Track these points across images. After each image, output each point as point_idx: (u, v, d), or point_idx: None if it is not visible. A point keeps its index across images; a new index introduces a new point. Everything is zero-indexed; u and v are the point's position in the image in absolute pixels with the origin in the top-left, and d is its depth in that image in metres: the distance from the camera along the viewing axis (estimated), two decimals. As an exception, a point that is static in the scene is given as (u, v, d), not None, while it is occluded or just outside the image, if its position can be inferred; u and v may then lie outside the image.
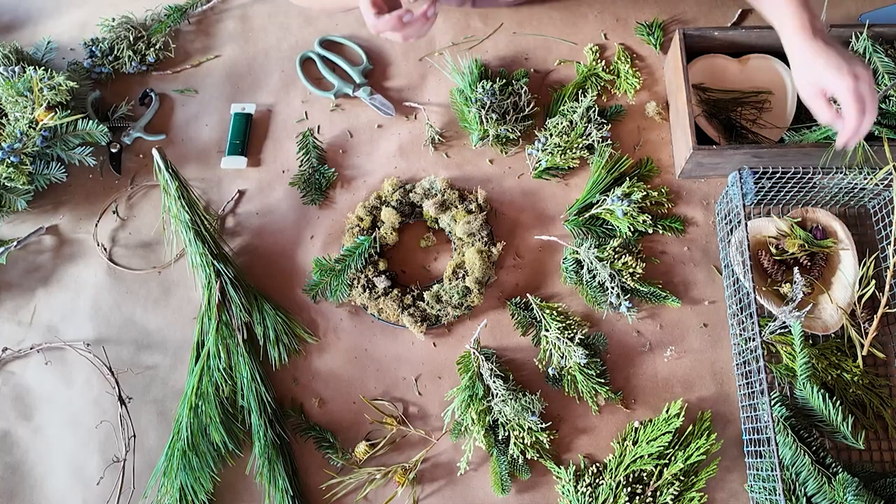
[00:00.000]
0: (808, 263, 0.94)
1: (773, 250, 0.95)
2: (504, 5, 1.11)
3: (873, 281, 0.90)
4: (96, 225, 1.03)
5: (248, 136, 1.07)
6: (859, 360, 0.89)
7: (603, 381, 0.90)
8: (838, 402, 0.83)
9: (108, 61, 1.10)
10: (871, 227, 0.97)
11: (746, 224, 0.86)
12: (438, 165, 1.05)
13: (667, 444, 0.86)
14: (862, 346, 0.90)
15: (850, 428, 0.82)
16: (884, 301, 0.89)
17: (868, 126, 0.77)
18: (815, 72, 0.78)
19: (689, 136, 0.93)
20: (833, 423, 0.83)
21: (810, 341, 0.92)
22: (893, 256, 0.89)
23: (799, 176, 0.89)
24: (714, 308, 0.96)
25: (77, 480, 0.90)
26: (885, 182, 0.88)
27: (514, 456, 0.86)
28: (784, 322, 0.89)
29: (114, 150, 1.06)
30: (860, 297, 0.91)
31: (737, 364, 0.92)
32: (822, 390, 0.84)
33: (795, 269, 0.91)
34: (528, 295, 0.96)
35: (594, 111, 1.04)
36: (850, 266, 0.93)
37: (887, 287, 0.90)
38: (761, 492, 0.82)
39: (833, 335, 0.92)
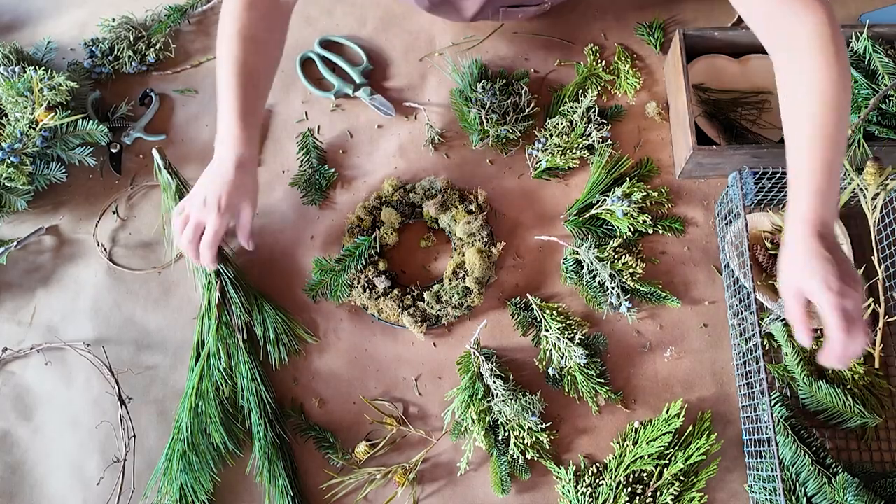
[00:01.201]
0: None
1: (769, 245, 0.95)
2: (525, 19, 1.11)
3: (871, 299, 0.90)
4: (96, 225, 1.03)
5: (249, 137, 1.07)
6: (861, 361, 0.89)
7: (603, 381, 0.90)
8: (841, 391, 0.84)
9: (108, 61, 1.11)
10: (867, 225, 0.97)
11: (746, 224, 0.87)
12: (438, 165, 1.05)
13: (667, 444, 0.86)
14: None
15: (861, 408, 0.83)
16: (882, 311, 0.90)
17: (856, 350, 0.68)
18: (800, 272, 0.70)
19: (689, 136, 0.93)
20: (842, 408, 0.83)
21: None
22: (880, 266, 0.90)
23: (799, 176, 0.89)
24: (714, 308, 0.96)
25: (77, 481, 0.90)
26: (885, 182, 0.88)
27: (515, 456, 0.86)
28: (780, 316, 0.89)
29: (114, 151, 1.06)
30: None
31: (737, 364, 0.92)
32: (824, 381, 0.85)
33: None
34: (528, 295, 0.96)
35: (594, 111, 1.04)
36: (848, 262, 0.93)
37: (882, 300, 0.90)
38: (761, 492, 0.82)
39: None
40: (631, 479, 0.85)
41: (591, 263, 0.94)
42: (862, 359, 0.89)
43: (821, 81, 0.72)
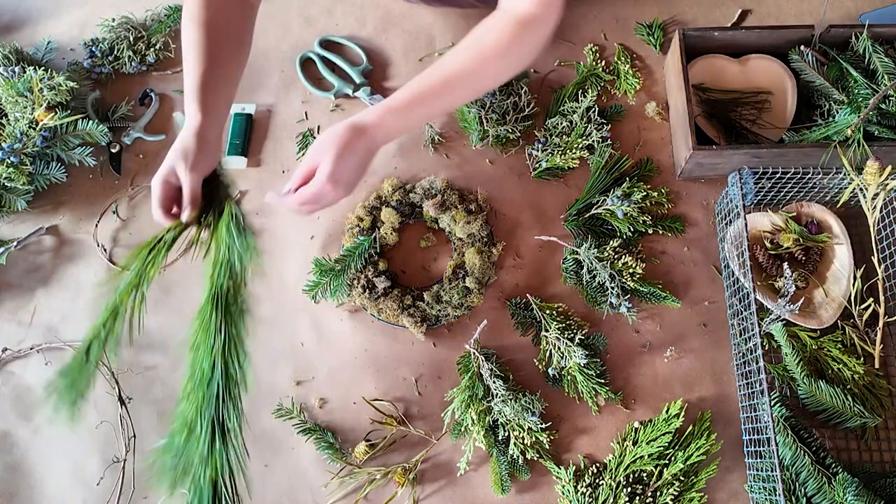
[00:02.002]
0: (803, 258, 0.94)
1: (768, 245, 0.95)
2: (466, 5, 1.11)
3: (871, 300, 0.90)
4: (96, 225, 1.03)
5: (249, 137, 1.07)
6: (861, 360, 0.89)
7: (603, 381, 0.90)
8: (841, 391, 0.84)
9: (108, 61, 1.11)
10: (867, 225, 0.97)
11: (746, 225, 0.87)
12: (438, 166, 1.05)
13: (667, 444, 0.86)
14: (858, 343, 0.90)
15: (861, 407, 0.83)
16: (882, 311, 0.90)
17: (288, 208, 0.80)
18: (322, 142, 0.77)
19: (688, 136, 0.93)
20: (842, 407, 0.83)
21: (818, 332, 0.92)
22: (880, 266, 0.90)
23: (799, 176, 0.89)
24: (714, 308, 0.96)
25: (77, 481, 0.90)
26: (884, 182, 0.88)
27: (514, 456, 0.86)
28: (779, 316, 0.89)
29: (114, 151, 1.06)
30: (860, 313, 0.91)
31: (737, 364, 0.92)
32: (824, 381, 0.85)
33: (784, 264, 0.91)
34: (527, 295, 0.96)
35: (594, 111, 1.04)
36: (846, 260, 0.93)
37: (882, 299, 0.90)
38: (761, 492, 0.82)
39: (837, 330, 0.92)
40: (631, 479, 0.85)
41: (591, 263, 0.94)
42: (862, 359, 0.89)
43: (490, 46, 0.79)
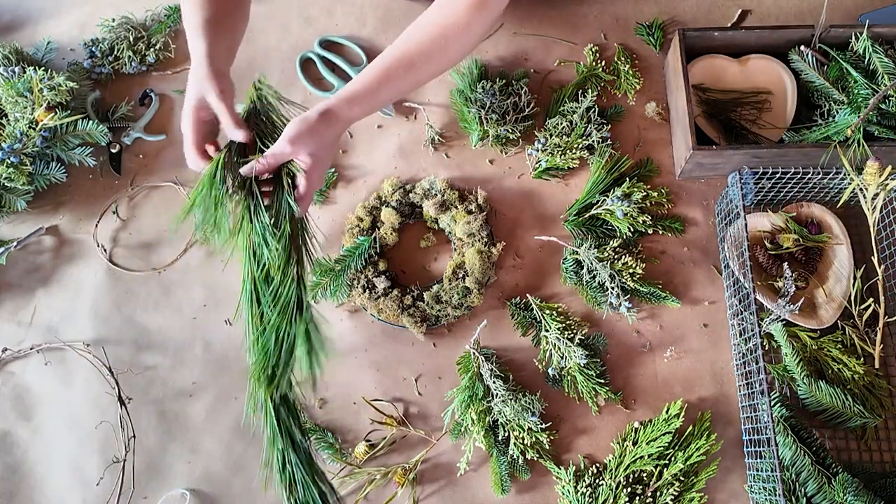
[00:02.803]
0: (803, 258, 0.94)
1: (768, 245, 0.95)
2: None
3: (871, 300, 0.90)
4: (96, 225, 1.03)
5: (248, 137, 1.07)
6: (861, 360, 0.89)
7: (603, 381, 0.90)
8: (841, 391, 0.84)
9: (107, 62, 1.11)
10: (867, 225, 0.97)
11: (746, 225, 0.87)
12: (438, 166, 1.05)
13: (667, 444, 0.86)
14: (858, 343, 0.90)
15: (861, 407, 0.83)
16: (882, 311, 0.90)
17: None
18: (296, 129, 0.76)
19: (688, 136, 0.93)
20: (842, 407, 0.83)
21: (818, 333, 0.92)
22: (879, 266, 0.90)
23: (799, 176, 0.89)
24: (714, 308, 0.96)
25: (77, 481, 0.90)
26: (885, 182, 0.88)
27: (514, 456, 0.86)
28: (779, 316, 0.89)
29: (114, 151, 1.06)
30: (860, 313, 0.91)
31: (737, 364, 0.92)
32: (824, 381, 0.85)
33: (784, 264, 0.91)
34: (528, 295, 0.96)
35: (594, 111, 1.04)
36: (846, 261, 0.93)
37: (882, 300, 0.90)
38: (761, 492, 0.82)
39: (837, 330, 0.92)
40: (631, 480, 0.85)
41: (591, 263, 0.94)
42: (862, 359, 0.89)
43: (450, 26, 0.79)
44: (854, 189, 0.89)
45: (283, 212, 0.77)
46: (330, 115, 0.78)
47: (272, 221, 0.77)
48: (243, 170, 0.77)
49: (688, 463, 0.85)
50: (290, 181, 0.78)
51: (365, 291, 0.94)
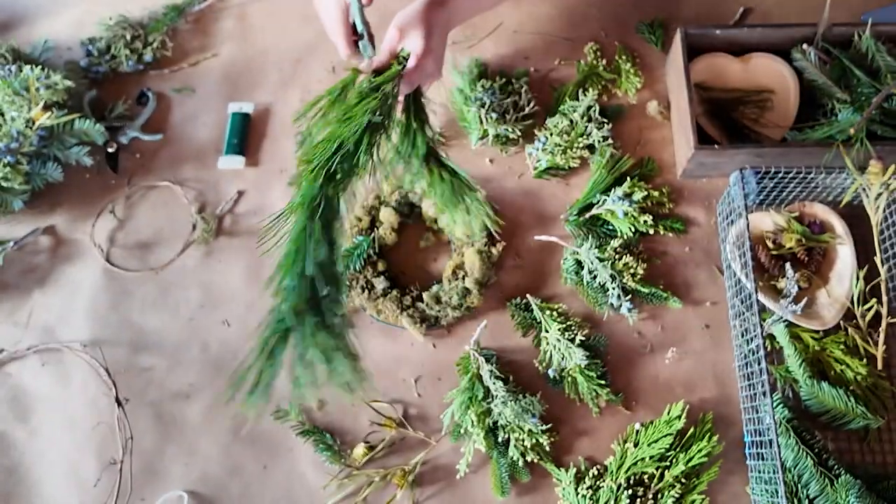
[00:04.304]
0: (806, 258, 0.94)
1: (771, 245, 0.95)
2: None
3: (874, 300, 0.90)
4: (93, 225, 1.02)
5: (247, 136, 1.07)
6: (864, 361, 0.88)
7: (603, 382, 0.89)
8: (844, 392, 0.83)
9: (104, 60, 1.10)
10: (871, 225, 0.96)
11: (748, 225, 0.86)
12: (438, 165, 1.04)
13: (668, 446, 0.85)
14: (861, 344, 0.90)
15: (864, 409, 0.83)
16: (885, 312, 0.89)
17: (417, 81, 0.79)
18: (410, 17, 0.79)
19: (690, 135, 0.93)
20: (845, 409, 0.83)
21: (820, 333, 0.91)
22: (883, 266, 0.90)
23: (801, 176, 0.89)
24: (716, 309, 0.95)
25: (74, 482, 0.89)
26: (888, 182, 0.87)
27: (514, 458, 0.86)
28: (782, 317, 0.89)
29: (111, 150, 1.05)
30: (863, 314, 0.91)
31: (739, 365, 0.91)
32: (827, 382, 0.85)
33: (787, 265, 0.90)
34: (528, 296, 0.95)
35: (595, 110, 1.03)
36: (849, 261, 0.93)
37: (885, 300, 0.89)
38: (763, 494, 0.82)
39: (840, 331, 0.91)
40: (632, 482, 0.85)
41: (592, 264, 0.94)
42: (865, 360, 0.89)
43: None
44: (857, 189, 0.89)
45: (392, 96, 0.77)
46: (440, 4, 0.80)
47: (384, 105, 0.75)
48: (362, 66, 0.78)
49: (689, 465, 0.85)
50: (402, 66, 0.78)
51: (364, 292, 0.94)
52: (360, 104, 0.72)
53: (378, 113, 0.72)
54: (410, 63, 0.78)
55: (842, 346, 0.89)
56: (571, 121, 1.03)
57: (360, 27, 0.83)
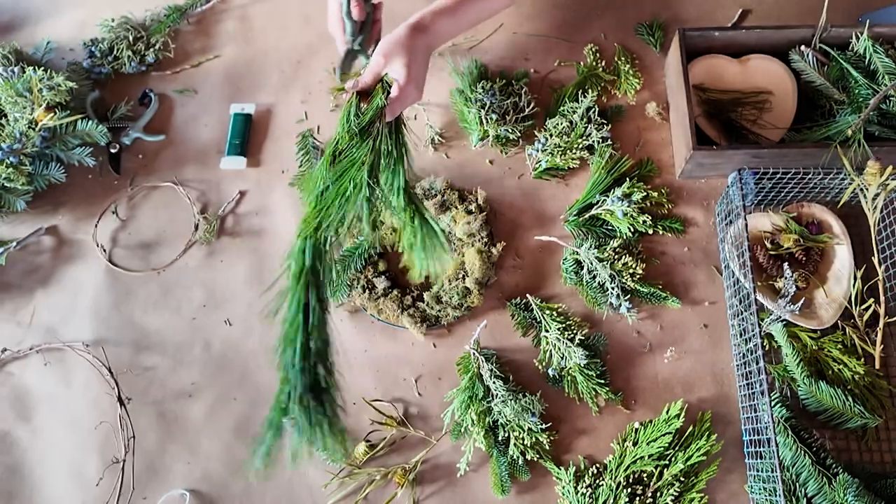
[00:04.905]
0: (804, 258, 0.94)
1: (769, 245, 0.95)
2: None
3: (871, 300, 0.90)
4: (96, 226, 1.03)
5: (248, 137, 1.07)
6: (861, 361, 0.89)
7: (603, 381, 0.90)
8: (842, 391, 0.84)
9: (107, 61, 1.10)
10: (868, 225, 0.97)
11: (746, 225, 0.86)
12: (438, 166, 1.04)
13: (667, 444, 0.86)
14: (858, 343, 0.90)
15: (861, 408, 0.83)
16: (882, 311, 0.90)
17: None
18: (392, 45, 0.83)
19: (689, 136, 0.93)
20: (843, 408, 0.83)
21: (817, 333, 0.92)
22: (880, 266, 0.90)
23: (799, 176, 0.89)
24: (714, 309, 0.96)
25: (76, 481, 0.90)
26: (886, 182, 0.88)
27: (514, 457, 0.86)
28: (780, 316, 0.89)
29: (113, 151, 1.06)
30: (861, 313, 0.91)
31: (737, 365, 0.92)
32: (824, 381, 0.85)
33: (785, 265, 0.91)
34: (528, 295, 0.96)
35: (594, 111, 1.04)
36: (846, 261, 0.93)
37: (882, 300, 0.90)
38: (762, 493, 0.82)
39: (837, 330, 0.92)
40: (631, 480, 0.85)
41: (591, 264, 0.94)
42: (862, 359, 0.89)
43: None
44: (855, 189, 0.89)
45: (377, 114, 0.81)
46: (418, 26, 0.84)
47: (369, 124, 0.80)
48: (347, 85, 0.84)
49: (688, 463, 0.85)
50: (386, 93, 0.83)
51: (365, 292, 0.94)
52: (354, 153, 0.78)
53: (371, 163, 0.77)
54: (393, 92, 0.82)
55: (839, 346, 0.90)
56: (571, 122, 1.03)
57: (345, 17, 0.87)
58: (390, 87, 0.83)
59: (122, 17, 1.13)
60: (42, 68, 1.01)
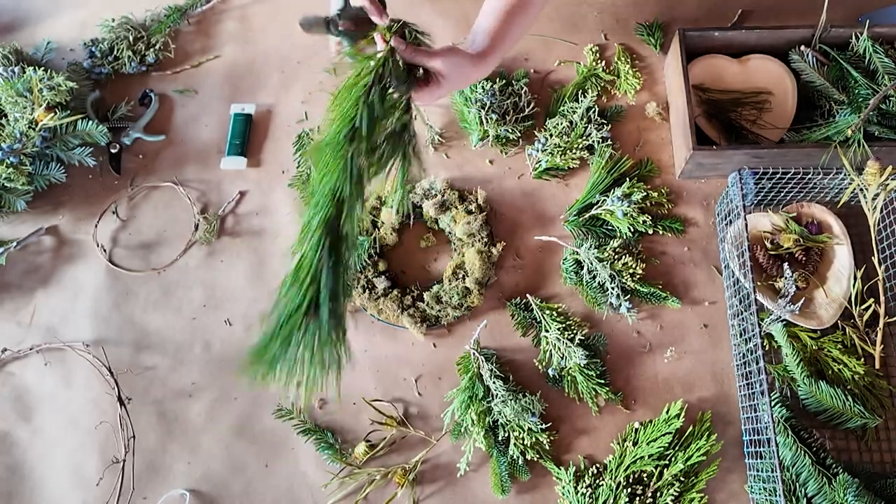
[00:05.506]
0: (804, 258, 0.94)
1: (769, 245, 0.95)
2: None
3: (871, 300, 0.90)
4: (96, 226, 1.03)
5: (248, 137, 1.07)
6: (861, 361, 0.89)
7: (603, 381, 0.90)
8: (842, 391, 0.84)
9: (107, 62, 1.10)
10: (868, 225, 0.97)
11: (746, 225, 0.86)
12: (438, 166, 1.04)
13: (667, 444, 0.86)
14: (858, 343, 0.90)
15: (861, 408, 0.83)
16: (882, 311, 0.90)
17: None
18: (459, 74, 0.79)
19: (689, 136, 0.93)
20: (843, 408, 0.83)
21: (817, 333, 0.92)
22: (880, 266, 0.90)
23: (799, 176, 0.89)
24: (714, 308, 0.96)
25: (76, 481, 0.90)
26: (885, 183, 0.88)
27: (514, 457, 0.86)
28: (780, 316, 0.89)
29: (113, 151, 1.06)
30: (860, 313, 0.91)
31: (737, 364, 0.92)
32: (824, 381, 0.85)
33: (785, 265, 0.91)
34: (528, 295, 0.96)
35: (594, 111, 1.04)
36: (846, 261, 0.93)
37: (882, 300, 0.90)
38: (762, 492, 0.82)
39: (837, 330, 0.92)
40: (631, 480, 0.85)
41: (591, 264, 0.94)
42: (862, 359, 0.89)
43: None
44: (854, 189, 0.89)
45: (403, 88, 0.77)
46: (484, 60, 0.80)
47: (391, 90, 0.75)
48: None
49: (688, 463, 0.85)
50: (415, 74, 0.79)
51: (365, 292, 0.94)
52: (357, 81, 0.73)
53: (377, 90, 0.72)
54: (433, 87, 0.78)
55: (839, 346, 0.90)
56: (571, 122, 1.03)
57: None
58: (391, 32, 0.76)
59: (123, 18, 1.13)
60: (42, 68, 1.01)
